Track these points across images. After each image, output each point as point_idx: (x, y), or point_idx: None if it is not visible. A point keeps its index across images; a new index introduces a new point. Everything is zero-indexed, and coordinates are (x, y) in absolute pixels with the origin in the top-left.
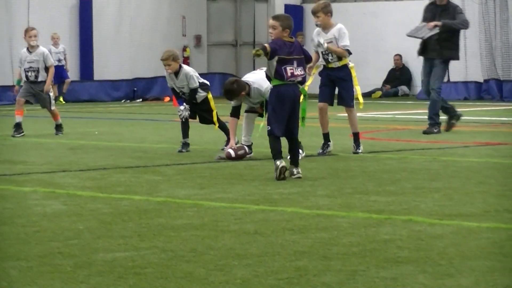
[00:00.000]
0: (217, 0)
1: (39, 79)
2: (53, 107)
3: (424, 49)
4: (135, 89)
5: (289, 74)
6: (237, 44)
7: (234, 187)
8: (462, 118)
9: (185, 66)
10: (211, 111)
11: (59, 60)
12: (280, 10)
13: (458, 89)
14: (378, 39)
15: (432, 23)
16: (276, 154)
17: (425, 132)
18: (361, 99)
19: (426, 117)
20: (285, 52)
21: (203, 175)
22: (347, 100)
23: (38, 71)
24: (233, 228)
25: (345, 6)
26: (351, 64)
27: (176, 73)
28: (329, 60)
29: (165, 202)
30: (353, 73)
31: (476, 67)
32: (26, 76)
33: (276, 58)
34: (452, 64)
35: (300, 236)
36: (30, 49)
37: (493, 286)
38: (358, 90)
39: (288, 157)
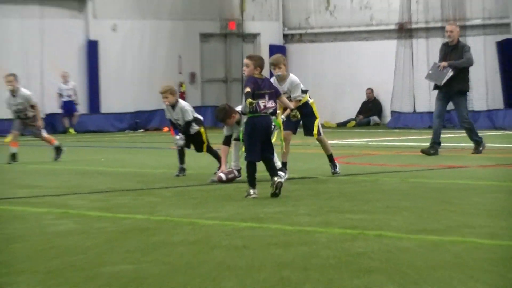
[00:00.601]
0: (209, 41)
1: (29, 115)
2: (44, 134)
3: (437, 86)
4: (137, 120)
5: (261, 107)
6: (227, 80)
7: (225, 207)
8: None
9: (181, 101)
10: (203, 143)
11: (69, 96)
12: (265, 49)
13: (423, 119)
14: (352, 75)
15: (442, 64)
16: (251, 181)
17: (474, 152)
18: (315, 130)
19: (395, 144)
20: (257, 87)
21: (197, 197)
22: (312, 130)
23: (25, 110)
24: (224, 243)
25: (323, 46)
26: (311, 101)
27: (173, 106)
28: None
29: (164, 220)
30: (314, 108)
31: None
32: (18, 116)
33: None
34: (418, 95)
35: (283, 250)
36: (13, 93)
37: None
38: (317, 122)
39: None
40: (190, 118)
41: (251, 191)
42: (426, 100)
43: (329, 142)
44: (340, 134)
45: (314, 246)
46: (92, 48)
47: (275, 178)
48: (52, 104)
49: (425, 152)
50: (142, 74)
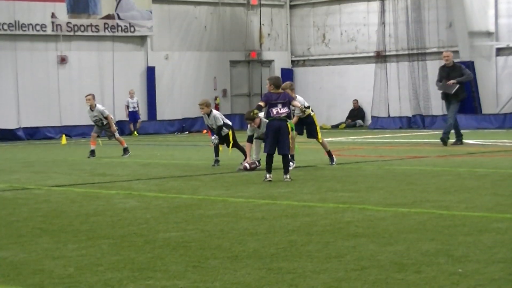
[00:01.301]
0: (236, 66)
1: (104, 123)
2: (117, 136)
3: (446, 96)
4: (184, 125)
5: (274, 113)
6: (250, 95)
7: (249, 188)
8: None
9: (214, 110)
10: (230, 142)
11: (134, 107)
12: (278, 72)
13: (395, 121)
14: (342, 90)
15: (451, 82)
16: (268, 168)
17: (455, 144)
18: (319, 135)
19: (374, 140)
20: (272, 99)
21: (228, 181)
22: (314, 135)
23: (101, 120)
24: (248, 215)
25: (321, 69)
26: (312, 113)
27: (208, 114)
28: (299, 115)
29: (203, 199)
30: (315, 119)
31: (407, 107)
32: (96, 124)
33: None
34: (391, 104)
35: (291, 220)
36: (91, 108)
37: (418, 250)
38: (318, 128)
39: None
40: (220, 123)
41: (267, 175)
42: (397, 108)
43: (325, 139)
44: (333, 134)
45: (314, 217)
46: (150, 72)
47: (284, 176)
48: (121, 113)
49: (456, 143)
50: (188, 91)
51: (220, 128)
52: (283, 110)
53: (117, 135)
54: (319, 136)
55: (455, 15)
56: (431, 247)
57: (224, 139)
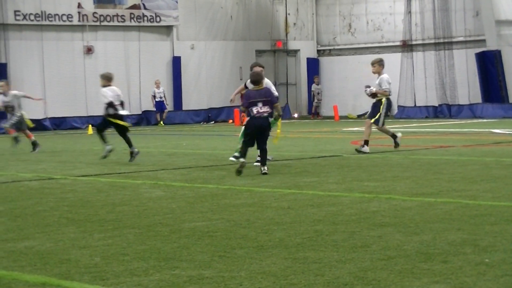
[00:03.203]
0: (262, 55)
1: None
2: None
3: None
4: (210, 115)
5: (255, 112)
6: (276, 84)
7: (274, 178)
8: (424, 130)
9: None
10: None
11: (160, 97)
12: (303, 62)
13: (421, 111)
14: (368, 80)
15: None
16: (242, 154)
17: None
18: (374, 120)
19: (400, 129)
20: (251, 98)
21: (253, 171)
22: (371, 116)
23: (13, 105)
24: (274, 205)
25: (346, 58)
26: (384, 101)
27: None
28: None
29: (229, 188)
30: (382, 104)
31: (433, 96)
32: (6, 110)
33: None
34: (417, 93)
35: (317, 209)
36: (5, 93)
37: (444, 240)
38: (378, 114)
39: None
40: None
41: (241, 159)
42: (423, 97)
43: (351, 129)
44: (359, 123)
45: (340, 206)
46: (176, 62)
47: (261, 168)
48: (148, 103)
49: None
50: (213, 81)
51: None
52: (264, 110)
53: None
54: (372, 120)
55: (482, 3)
56: (458, 237)
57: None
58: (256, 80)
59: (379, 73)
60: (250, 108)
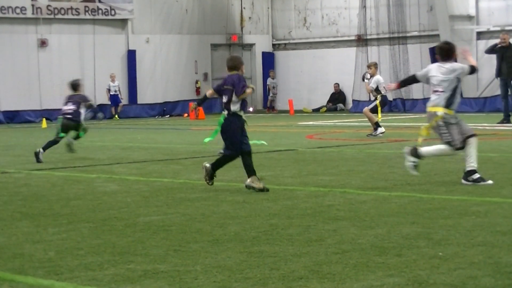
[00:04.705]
0: (217, 49)
1: None
2: None
3: (500, 73)
4: (165, 109)
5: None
6: None
7: (229, 172)
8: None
9: None
10: None
11: (115, 91)
12: (259, 56)
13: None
14: (323, 74)
15: None
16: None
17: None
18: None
19: (355, 124)
20: (223, 85)
21: None
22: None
23: None
24: (229, 199)
25: (302, 52)
26: (379, 97)
27: None
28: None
29: (184, 182)
30: (378, 100)
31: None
32: None
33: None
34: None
35: (272, 203)
36: None
37: (399, 233)
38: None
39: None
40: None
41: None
42: None
43: (305, 123)
44: (314, 117)
45: (295, 200)
46: (131, 56)
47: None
48: (102, 97)
49: (501, 122)
50: (168, 74)
51: None
52: (224, 100)
53: None
54: (366, 109)
55: None
56: (412, 230)
57: None
58: (229, 66)
59: (374, 75)
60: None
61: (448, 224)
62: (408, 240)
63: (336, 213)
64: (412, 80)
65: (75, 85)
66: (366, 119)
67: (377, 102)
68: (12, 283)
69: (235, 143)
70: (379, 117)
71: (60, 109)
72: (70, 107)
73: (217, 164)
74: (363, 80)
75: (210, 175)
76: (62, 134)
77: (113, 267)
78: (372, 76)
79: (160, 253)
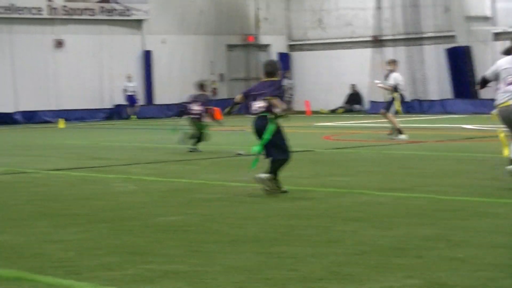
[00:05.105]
0: (233, 50)
1: None
2: None
3: None
4: (181, 109)
5: (254, 108)
6: (247, 79)
7: (247, 173)
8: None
9: None
10: None
11: (132, 91)
12: (274, 56)
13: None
14: (340, 74)
15: None
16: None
17: None
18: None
19: (372, 125)
20: (256, 90)
21: (227, 165)
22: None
23: None
24: (247, 200)
25: (318, 53)
26: (396, 96)
27: None
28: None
29: (203, 183)
30: (396, 100)
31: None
32: None
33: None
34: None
35: (291, 204)
36: None
37: (418, 235)
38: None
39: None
40: None
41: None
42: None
43: (323, 124)
44: (331, 118)
45: (314, 201)
46: (147, 56)
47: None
48: (119, 97)
49: None
50: (184, 75)
51: None
52: (260, 104)
53: None
54: (383, 110)
55: None
56: (431, 232)
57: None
58: (266, 71)
59: (394, 71)
60: (252, 102)
61: (468, 226)
62: (427, 241)
63: (354, 214)
64: (484, 82)
65: (202, 85)
66: (385, 120)
67: (397, 102)
68: (32, 282)
69: (287, 145)
70: (398, 109)
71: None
72: (197, 107)
73: (274, 171)
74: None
75: (277, 184)
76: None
77: (132, 267)
78: (391, 72)
79: (179, 253)
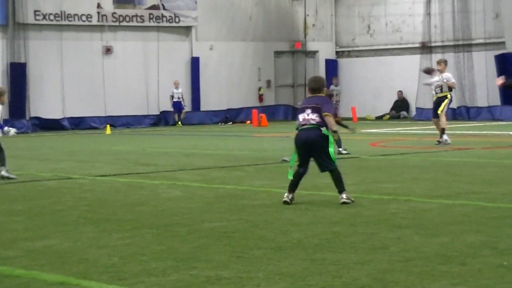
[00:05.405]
0: (281, 56)
1: None
2: None
3: None
4: (228, 116)
5: (300, 120)
6: (294, 85)
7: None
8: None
9: None
10: None
11: (179, 98)
12: (322, 63)
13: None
14: (387, 80)
15: None
16: (290, 186)
17: None
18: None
19: (419, 132)
20: (302, 105)
21: (272, 171)
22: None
23: None
24: (291, 206)
25: (366, 59)
26: (449, 96)
27: None
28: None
29: (247, 189)
30: (447, 99)
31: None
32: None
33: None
34: None
35: (335, 211)
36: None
37: (463, 242)
38: (441, 107)
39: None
40: None
41: (286, 194)
42: None
43: (370, 130)
44: (378, 125)
45: (358, 208)
46: (195, 63)
47: (340, 197)
48: (166, 104)
49: None
50: (232, 81)
51: None
52: (312, 117)
53: None
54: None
55: (502, 5)
56: (476, 239)
57: None
58: (312, 87)
59: (443, 71)
60: (298, 116)
61: None
62: (472, 249)
63: (400, 221)
64: None
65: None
66: (434, 126)
67: (447, 100)
68: (77, 287)
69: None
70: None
71: (122, 116)
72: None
73: (336, 183)
74: (429, 73)
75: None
76: None
77: (176, 273)
78: (441, 72)
79: (223, 260)
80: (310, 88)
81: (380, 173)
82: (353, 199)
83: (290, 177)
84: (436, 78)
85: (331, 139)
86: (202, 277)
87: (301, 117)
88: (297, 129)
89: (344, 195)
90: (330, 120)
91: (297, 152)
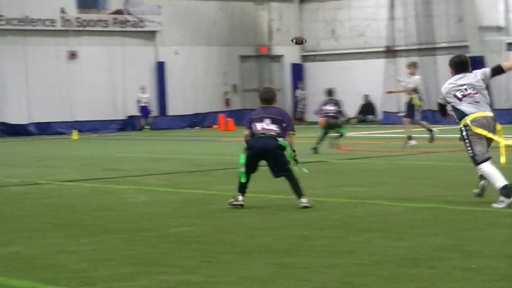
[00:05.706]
0: (246, 61)
1: None
2: None
3: None
4: (195, 120)
5: (258, 128)
6: (260, 90)
7: (260, 183)
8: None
9: None
10: None
11: (145, 102)
12: (287, 67)
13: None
14: (353, 84)
15: None
16: (239, 188)
17: None
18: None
19: (385, 135)
20: (256, 114)
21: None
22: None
23: None
24: (260, 211)
25: (331, 64)
26: (415, 96)
27: None
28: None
29: (215, 194)
30: (414, 102)
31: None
32: None
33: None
34: (401, 99)
35: (304, 215)
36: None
37: (431, 245)
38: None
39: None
40: None
41: (240, 197)
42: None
43: (336, 134)
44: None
45: (326, 211)
46: (160, 68)
47: (298, 201)
48: (132, 108)
49: None
50: (198, 86)
51: None
52: (272, 127)
53: None
54: (407, 119)
55: (465, 9)
56: (444, 242)
57: None
58: (265, 98)
59: (414, 74)
60: (253, 124)
61: (481, 236)
62: (440, 252)
63: (367, 224)
64: None
65: (331, 92)
66: (403, 130)
67: (414, 101)
68: None
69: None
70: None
71: (89, 121)
72: (332, 108)
73: (295, 188)
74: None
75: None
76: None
77: (145, 278)
78: (411, 75)
79: (192, 264)
80: (263, 98)
81: (347, 177)
82: (312, 203)
83: (243, 180)
84: (403, 82)
85: (288, 150)
86: (172, 282)
87: (259, 126)
88: (252, 136)
89: (303, 199)
90: (292, 140)
91: (249, 157)
